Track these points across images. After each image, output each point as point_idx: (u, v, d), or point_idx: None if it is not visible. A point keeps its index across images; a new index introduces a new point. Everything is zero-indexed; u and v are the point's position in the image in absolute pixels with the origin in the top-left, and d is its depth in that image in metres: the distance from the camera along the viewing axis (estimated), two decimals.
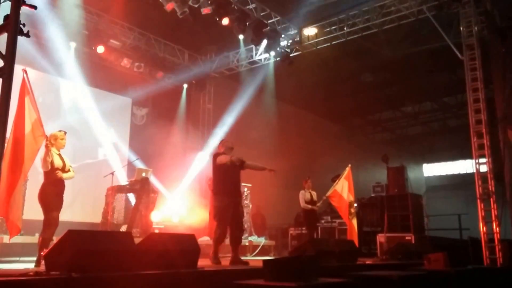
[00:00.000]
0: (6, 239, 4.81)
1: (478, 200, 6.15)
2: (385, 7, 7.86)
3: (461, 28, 6.75)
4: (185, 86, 10.21)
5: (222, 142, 4.80)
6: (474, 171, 6.29)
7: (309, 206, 6.96)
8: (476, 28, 6.61)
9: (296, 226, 8.87)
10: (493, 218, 6.01)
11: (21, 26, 2.82)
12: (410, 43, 9.84)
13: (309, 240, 6.02)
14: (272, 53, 8.98)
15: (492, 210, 6.04)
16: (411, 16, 7.70)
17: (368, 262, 5.56)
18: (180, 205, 8.79)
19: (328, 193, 6.64)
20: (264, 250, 8.62)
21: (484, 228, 6.03)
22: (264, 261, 2.89)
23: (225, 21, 7.46)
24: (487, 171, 6.18)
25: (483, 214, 6.10)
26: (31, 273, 2.64)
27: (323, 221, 8.75)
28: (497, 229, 5.94)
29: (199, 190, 9.81)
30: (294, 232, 8.92)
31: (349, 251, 5.16)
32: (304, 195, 7.01)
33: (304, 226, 7.71)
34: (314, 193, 7.11)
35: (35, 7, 3.08)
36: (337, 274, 3.29)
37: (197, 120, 10.48)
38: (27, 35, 2.86)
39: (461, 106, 12.95)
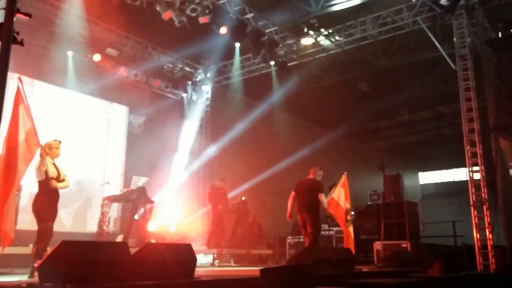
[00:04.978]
0: None
1: (472, 207, 6.19)
2: (381, 18, 8.01)
3: (454, 39, 6.89)
4: (184, 95, 10.24)
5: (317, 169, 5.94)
6: (468, 179, 6.34)
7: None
8: (468, 39, 6.76)
9: (293, 234, 8.83)
10: (486, 225, 6.06)
11: (15, 34, 2.82)
12: (405, 53, 10.00)
13: (306, 248, 5.99)
14: (271, 62, 9.05)
15: (485, 217, 6.10)
16: (406, 27, 7.85)
17: (365, 269, 5.55)
18: (177, 215, 8.72)
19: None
20: (262, 259, 8.55)
21: (478, 235, 6.08)
22: (261, 270, 2.88)
23: (223, 30, 7.54)
24: (480, 179, 6.24)
25: (476, 221, 6.16)
26: (24, 285, 2.61)
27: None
28: (490, 235, 5.99)
29: (197, 199, 9.76)
30: (292, 240, 8.88)
31: (346, 259, 5.15)
32: None
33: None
34: None
35: (29, 15, 3.09)
36: (334, 282, 3.29)
37: (195, 129, 10.47)
38: (21, 43, 2.86)
39: (455, 115, 13.11)
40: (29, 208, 4.20)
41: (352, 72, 10.86)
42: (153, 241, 6.78)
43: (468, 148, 6.41)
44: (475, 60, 6.70)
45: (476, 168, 6.34)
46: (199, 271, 3.90)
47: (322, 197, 5.72)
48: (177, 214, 8.73)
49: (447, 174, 18.82)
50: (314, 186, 5.75)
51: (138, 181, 6.88)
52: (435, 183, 19.29)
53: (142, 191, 6.76)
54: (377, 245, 7.32)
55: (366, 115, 13.70)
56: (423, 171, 19.57)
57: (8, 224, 3.77)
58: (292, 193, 5.84)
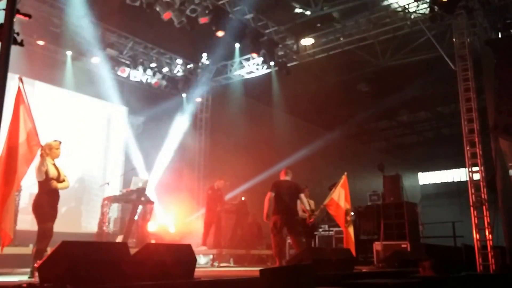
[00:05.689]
0: None
1: (471, 208, 6.20)
2: (380, 18, 8.02)
3: (454, 40, 6.90)
4: (184, 95, 10.24)
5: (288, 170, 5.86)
6: (468, 179, 6.35)
7: (307, 215, 6.95)
8: (468, 39, 6.76)
9: None
10: (486, 225, 6.06)
11: (15, 35, 2.82)
12: (405, 54, 10.01)
13: (306, 249, 6.00)
14: (271, 63, 9.06)
15: (485, 218, 6.10)
16: (406, 28, 7.86)
17: (364, 270, 5.56)
18: (177, 215, 8.72)
19: (326, 202, 6.65)
20: (261, 259, 8.56)
21: (477, 235, 6.08)
22: (261, 270, 2.89)
23: (220, 33, 7.54)
24: (480, 179, 6.25)
25: (476, 221, 6.16)
26: (24, 285, 2.61)
27: (320, 230, 8.74)
28: (490, 236, 6.00)
29: (196, 199, 9.76)
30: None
31: (345, 260, 5.16)
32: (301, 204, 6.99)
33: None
34: (311, 202, 7.11)
35: (29, 16, 3.09)
36: (334, 283, 3.29)
37: (194, 129, 10.48)
38: (21, 44, 2.86)
39: (454, 115, 13.12)
40: (29, 209, 4.21)
41: (352, 72, 10.86)
42: (153, 241, 6.78)
43: (467, 148, 6.41)
44: (474, 61, 6.70)
45: (475, 168, 6.34)
46: (198, 272, 3.90)
47: (303, 196, 5.76)
48: (177, 214, 8.73)
49: (446, 175, 18.84)
50: (296, 187, 5.75)
51: (138, 181, 6.89)
52: (435, 183, 19.31)
53: (142, 191, 6.76)
54: (377, 246, 7.33)
55: (366, 116, 13.71)
56: (422, 171, 19.58)
57: (8, 224, 3.77)
58: (269, 194, 5.56)
